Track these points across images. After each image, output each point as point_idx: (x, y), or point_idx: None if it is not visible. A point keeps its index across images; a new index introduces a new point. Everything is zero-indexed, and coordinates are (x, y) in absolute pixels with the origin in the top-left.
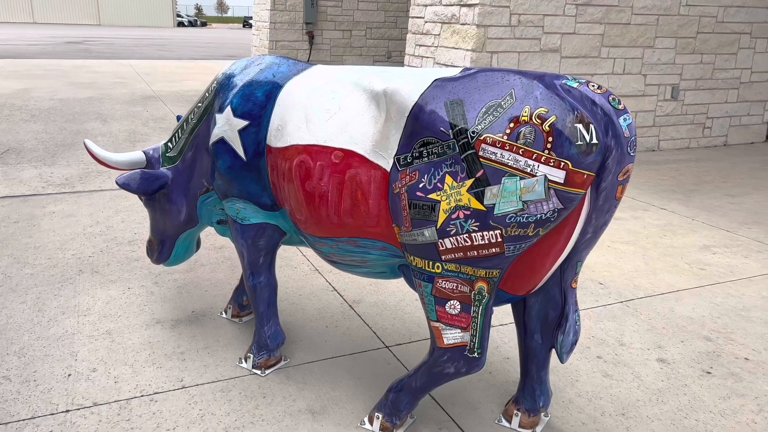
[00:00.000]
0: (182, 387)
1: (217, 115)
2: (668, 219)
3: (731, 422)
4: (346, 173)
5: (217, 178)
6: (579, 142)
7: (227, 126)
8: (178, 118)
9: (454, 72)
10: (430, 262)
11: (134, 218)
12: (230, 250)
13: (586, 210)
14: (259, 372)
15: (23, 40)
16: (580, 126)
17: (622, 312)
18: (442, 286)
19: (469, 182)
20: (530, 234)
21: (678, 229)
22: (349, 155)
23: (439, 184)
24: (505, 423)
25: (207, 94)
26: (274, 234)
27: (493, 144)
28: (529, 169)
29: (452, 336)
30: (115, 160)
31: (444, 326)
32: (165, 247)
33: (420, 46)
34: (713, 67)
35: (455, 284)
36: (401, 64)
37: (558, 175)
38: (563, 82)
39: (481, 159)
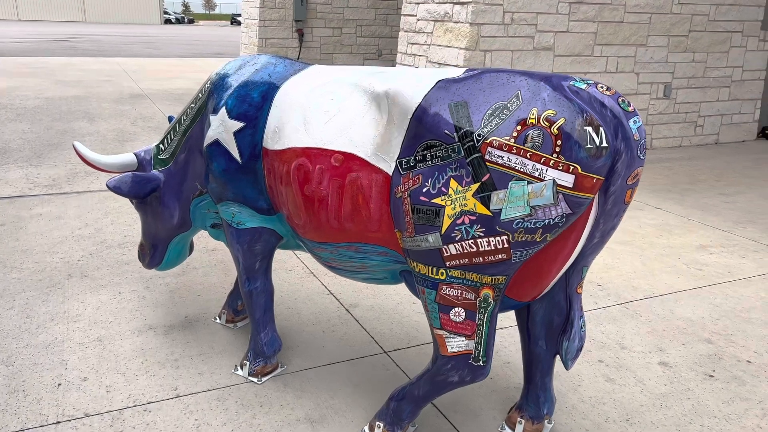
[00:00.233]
0: (177, 396)
1: (212, 117)
2: (664, 218)
3: (736, 427)
4: (347, 177)
5: (212, 181)
6: (588, 146)
7: (222, 128)
8: (170, 119)
9: (457, 72)
10: (434, 269)
11: (124, 220)
12: (223, 253)
13: (594, 214)
14: (255, 380)
15: (7, 37)
16: (589, 129)
17: (622, 314)
18: (446, 293)
19: (474, 187)
20: (538, 240)
21: (674, 229)
22: (349, 158)
23: (443, 189)
24: (508, 430)
25: (200, 95)
26: (271, 238)
27: (500, 147)
28: (537, 173)
29: (456, 344)
30: (105, 163)
31: (448, 334)
32: (157, 251)
33: (412, 44)
34: (705, 66)
35: (460, 291)
36: (392, 62)
37: (567, 180)
38: (571, 83)
39: (487, 163)
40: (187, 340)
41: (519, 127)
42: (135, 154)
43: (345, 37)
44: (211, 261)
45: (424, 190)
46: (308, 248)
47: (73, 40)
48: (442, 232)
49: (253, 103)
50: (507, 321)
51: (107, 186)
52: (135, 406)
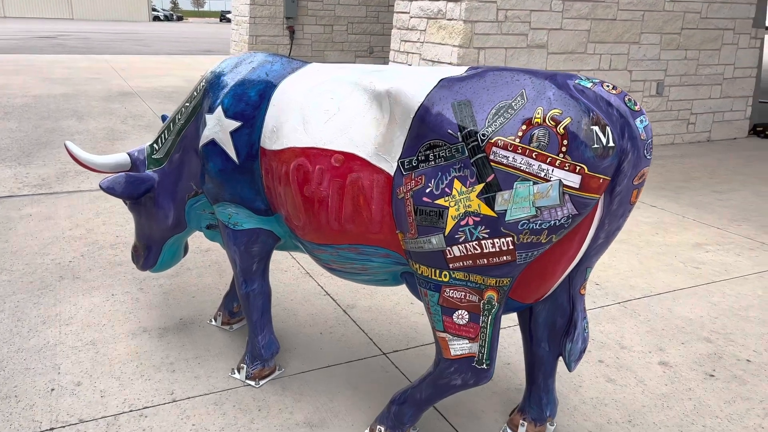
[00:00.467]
0: (173, 400)
1: (207, 116)
2: (659, 216)
3: (738, 427)
4: (347, 177)
5: (208, 182)
6: (595, 145)
7: (218, 127)
8: (164, 117)
9: (460, 71)
10: (437, 271)
11: (116, 220)
12: (217, 254)
13: (599, 215)
14: (253, 383)
15: None
16: (596, 128)
17: (621, 313)
18: (449, 296)
19: (479, 187)
20: (543, 241)
21: (670, 227)
22: (350, 158)
23: (447, 189)
24: None
25: (195, 93)
26: (268, 240)
27: (505, 147)
28: (542, 174)
29: (459, 347)
30: (98, 163)
31: (451, 337)
32: (151, 252)
33: (405, 41)
34: (697, 63)
35: (463, 293)
36: (384, 59)
37: (573, 180)
38: (576, 82)
39: (491, 163)
40: (182, 342)
41: (524, 127)
42: (128, 154)
43: (336, 35)
44: (205, 262)
45: (427, 190)
46: (307, 250)
47: (61, 37)
48: (446, 234)
49: (250, 102)
50: (507, 321)
51: (100, 187)
52: (131, 411)
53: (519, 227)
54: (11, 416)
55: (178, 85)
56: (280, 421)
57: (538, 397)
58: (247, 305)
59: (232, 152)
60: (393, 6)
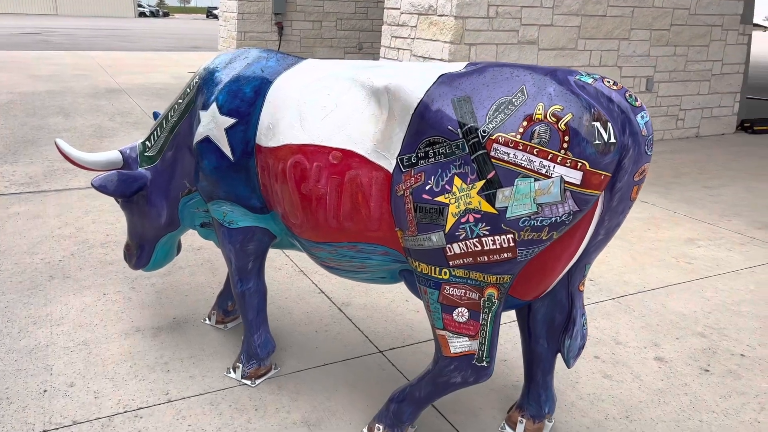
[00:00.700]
0: (168, 401)
1: (201, 113)
2: (651, 212)
3: (734, 422)
4: (346, 175)
5: (202, 180)
6: (597, 142)
7: (213, 124)
8: (155, 115)
9: (459, 67)
10: (437, 268)
11: (106, 218)
12: (209, 252)
13: (599, 211)
14: (249, 382)
15: None
16: (597, 124)
17: (615, 309)
18: (449, 293)
19: (479, 184)
20: (544, 238)
21: (661, 223)
22: (348, 155)
23: (447, 186)
24: (509, 430)
25: (188, 90)
26: (264, 238)
27: (506, 144)
28: (544, 170)
29: (459, 344)
30: (89, 161)
31: (451, 334)
32: (144, 251)
33: (396, 38)
34: (686, 60)
35: (464, 291)
36: (373, 56)
37: (575, 176)
38: (577, 77)
39: (492, 159)
40: (176, 342)
41: (525, 123)
42: (120, 152)
43: (325, 31)
44: (197, 260)
45: (427, 188)
46: (305, 248)
47: (45, 33)
48: (446, 231)
49: (245, 98)
50: (503, 318)
51: (92, 185)
52: (125, 412)
53: (520, 224)
54: (3, 418)
55: (166, 81)
56: (278, 420)
57: (536, 394)
58: (243, 304)
59: (227, 149)
60: (382, 2)
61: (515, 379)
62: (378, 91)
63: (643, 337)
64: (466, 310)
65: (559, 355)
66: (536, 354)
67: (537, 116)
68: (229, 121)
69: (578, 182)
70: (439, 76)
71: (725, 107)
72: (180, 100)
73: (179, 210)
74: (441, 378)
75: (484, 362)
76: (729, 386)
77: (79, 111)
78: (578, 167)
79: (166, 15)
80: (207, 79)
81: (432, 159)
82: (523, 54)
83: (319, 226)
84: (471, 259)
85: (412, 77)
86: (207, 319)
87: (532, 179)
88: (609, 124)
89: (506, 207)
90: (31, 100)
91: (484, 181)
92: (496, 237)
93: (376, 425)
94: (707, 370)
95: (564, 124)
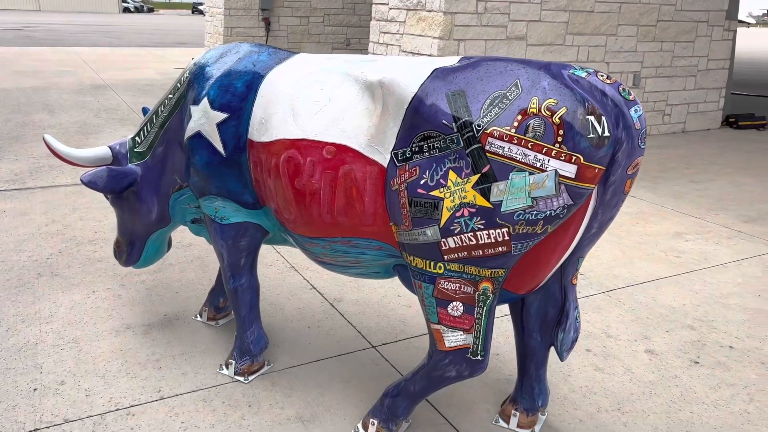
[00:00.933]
0: (160, 398)
1: (192, 108)
2: (639, 206)
3: (724, 413)
4: (339, 169)
5: (193, 175)
6: (591, 135)
7: (204, 119)
8: (144, 110)
9: (453, 61)
10: (432, 263)
11: (94, 215)
12: (200, 249)
13: (593, 205)
14: (242, 379)
15: None
16: (591, 118)
17: (606, 303)
18: (444, 287)
19: (474, 178)
20: (539, 231)
21: (649, 217)
22: (342, 150)
23: (442, 181)
24: (502, 423)
25: (179, 85)
26: (257, 233)
27: (501, 138)
28: (538, 164)
29: (454, 338)
30: (78, 157)
31: (445, 328)
32: (134, 248)
33: (385, 33)
34: (672, 55)
35: (458, 285)
36: (361, 51)
37: (569, 170)
38: (570, 71)
39: (487, 153)
40: (167, 339)
41: (519, 117)
42: (110, 148)
43: (312, 26)
44: (187, 257)
45: (422, 182)
46: (298, 243)
47: (28, 29)
48: (441, 225)
49: (236, 93)
50: (495, 312)
51: (82, 181)
52: (117, 410)
53: (515, 218)
54: None
55: (152, 77)
56: (271, 416)
57: (530, 387)
58: (236, 300)
59: (218, 145)
60: None
61: (509, 373)
62: (372, 85)
63: (633, 330)
64: (460, 304)
65: (551, 349)
66: (529, 348)
67: (531, 110)
68: (221, 116)
69: (573, 176)
70: (433, 71)
71: (711, 102)
72: (170, 95)
73: (170, 206)
74: (436, 372)
75: (479, 356)
76: (718, 378)
77: (64, 107)
78: (573, 161)
79: (150, 11)
80: (198, 74)
81: (426, 153)
82: (512, 49)
83: (313, 221)
84: (466, 253)
85: (406, 71)
86: (198, 315)
87: (527, 173)
88: (603, 118)
89: (501, 201)
90: (14, 97)
91: (478, 175)
92: (491, 231)
93: (371, 420)
94: (697, 362)
95: (558, 118)
